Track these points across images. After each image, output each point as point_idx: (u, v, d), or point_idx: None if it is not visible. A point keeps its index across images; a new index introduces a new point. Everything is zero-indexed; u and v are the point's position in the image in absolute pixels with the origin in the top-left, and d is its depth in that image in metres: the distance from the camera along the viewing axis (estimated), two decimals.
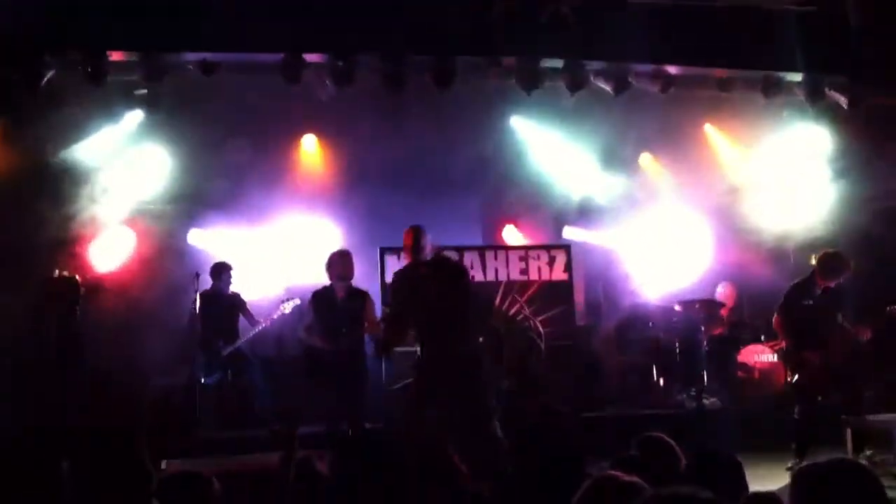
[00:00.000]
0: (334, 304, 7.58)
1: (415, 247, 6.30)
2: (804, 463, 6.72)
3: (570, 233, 10.45)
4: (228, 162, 9.24)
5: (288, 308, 8.40)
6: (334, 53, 8.27)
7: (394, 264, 8.72)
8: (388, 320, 6.86)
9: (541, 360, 9.03)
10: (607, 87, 8.85)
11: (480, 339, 6.47)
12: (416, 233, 6.32)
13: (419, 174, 9.49)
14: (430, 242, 6.35)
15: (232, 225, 9.57)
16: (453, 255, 8.85)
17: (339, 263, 7.62)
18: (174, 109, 8.91)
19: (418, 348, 6.37)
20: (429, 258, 6.34)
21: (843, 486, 2.39)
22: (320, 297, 7.67)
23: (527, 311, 9.17)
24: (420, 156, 9.33)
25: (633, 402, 9.25)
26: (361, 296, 7.69)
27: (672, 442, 3.70)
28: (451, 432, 6.06)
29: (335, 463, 3.52)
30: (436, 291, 6.23)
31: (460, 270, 6.68)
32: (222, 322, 8.53)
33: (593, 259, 10.53)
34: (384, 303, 8.40)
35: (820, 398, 7.47)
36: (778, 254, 10.03)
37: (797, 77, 9.25)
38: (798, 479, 2.46)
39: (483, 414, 6.11)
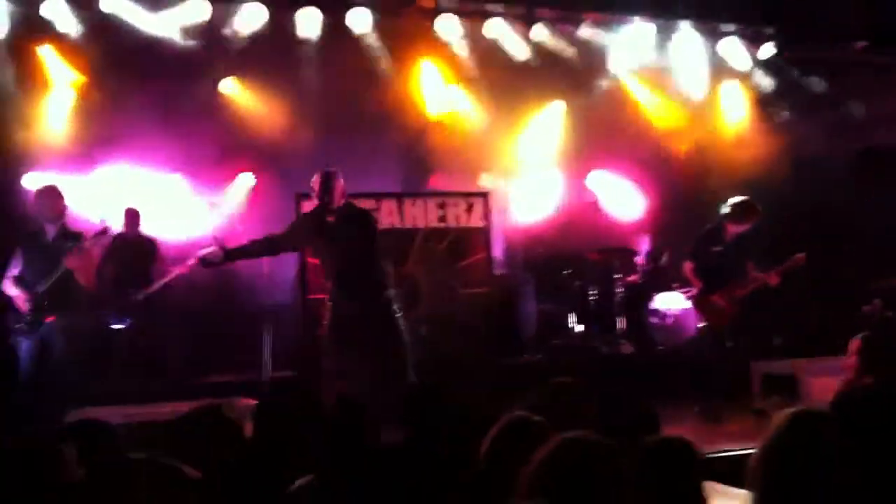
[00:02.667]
0: (44, 247, 6.72)
1: (322, 191, 6.22)
2: (713, 406, 7.01)
3: (487, 180, 10.41)
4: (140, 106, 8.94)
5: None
6: None
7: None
8: (264, 238, 6.64)
9: (458, 307, 9.05)
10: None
11: (390, 287, 6.46)
12: (325, 177, 6.23)
13: (336, 117, 9.32)
14: (340, 188, 6.27)
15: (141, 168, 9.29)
16: (370, 203, 8.79)
17: (39, 200, 6.79)
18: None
19: (328, 297, 6.40)
20: (338, 204, 6.26)
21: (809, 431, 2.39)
22: (28, 240, 6.81)
23: (443, 259, 9.15)
24: (335, 98, 9.16)
25: (549, 348, 9.36)
26: (75, 237, 6.80)
27: (580, 386, 3.72)
28: (365, 382, 6.10)
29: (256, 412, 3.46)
30: (343, 241, 6.20)
31: (367, 219, 6.52)
32: (134, 267, 8.31)
33: (512, 207, 10.55)
34: None
35: (729, 343, 7.65)
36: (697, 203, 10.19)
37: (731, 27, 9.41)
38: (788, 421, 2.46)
39: (398, 363, 6.16)
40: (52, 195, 6.78)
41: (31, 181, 8.88)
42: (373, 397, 5.36)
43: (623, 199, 10.77)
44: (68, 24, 8.34)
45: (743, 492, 2.43)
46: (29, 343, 6.58)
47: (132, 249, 8.36)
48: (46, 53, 8.72)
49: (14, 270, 6.73)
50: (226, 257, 6.37)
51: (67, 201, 6.88)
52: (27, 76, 8.65)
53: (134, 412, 5.71)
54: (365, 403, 3.67)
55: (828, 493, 2.26)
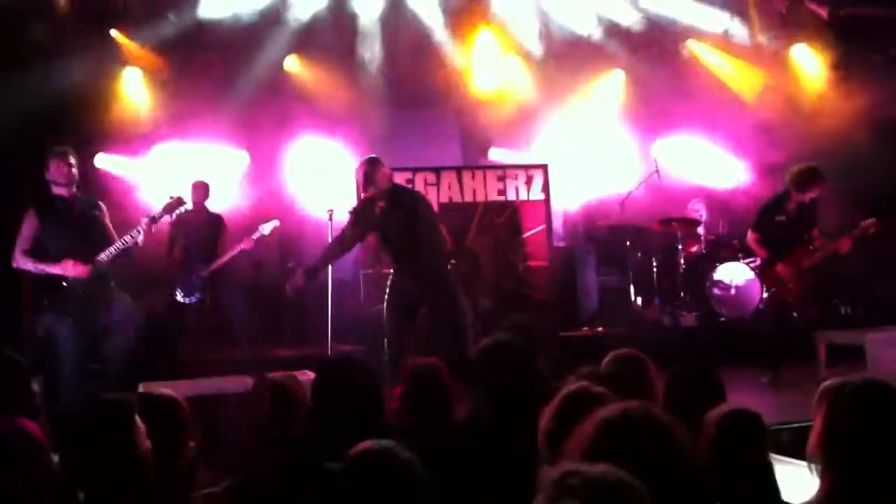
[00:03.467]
0: (68, 214, 6.27)
1: (365, 182, 6.39)
2: (779, 377, 6.92)
3: (547, 152, 10.33)
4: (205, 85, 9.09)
5: (267, 229, 8.33)
6: None
7: None
8: (334, 244, 6.84)
9: (518, 280, 9.06)
10: None
11: (447, 261, 6.63)
12: (367, 166, 6.40)
13: (396, 92, 9.38)
14: (384, 173, 6.42)
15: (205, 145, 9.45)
16: (431, 177, 8.85)
17: (54, 166, 6.22)
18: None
19: (391, 273, 6.68)
20: (383, 188, 6.38)
21: (874, 404, 2.36)
22: (47, 208, 6.26)
23: (503, 232, 9.14)
24: (396, 73, 9.21)
25: (610, 320, 9.32)
26: (91, 204, 6.45)
27: (645, 358, 3.70)
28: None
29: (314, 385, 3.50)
30: (394, 224, 6.41)
31: (414, 199, 6.75)
32: (201, 242, 8.44)
33: (572, 179, 10.48)
34: None
35: (795, 313, 7.54)
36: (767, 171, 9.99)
37: None
38: (828, 394, 2.45)
39: (455, 330, 6.29)
40: (65, 160, 6.23)
41: (102, 162, 9.12)
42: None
43: (687, 169, 10.62)
44: (135, 5, 8.51)
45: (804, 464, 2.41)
46: (74, 322, 6.13)
47: (199, 224, 8.46)
48: (114, 35, 8.89)
49: (26, 244, 6.14)
50: (310, 276, 6.61)
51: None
52: (96, 58, 8.82)
53: (201, 386, 5.83)
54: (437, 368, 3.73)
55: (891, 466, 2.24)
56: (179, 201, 6.69)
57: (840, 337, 7.31)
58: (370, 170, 6.36)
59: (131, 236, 6.26)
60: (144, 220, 6.34)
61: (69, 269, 6.08)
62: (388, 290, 6.65)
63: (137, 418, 2.75)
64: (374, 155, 6.54)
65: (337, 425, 3.13)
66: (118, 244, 6.25)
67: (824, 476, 2.36)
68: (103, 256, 6.21)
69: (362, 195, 6.56)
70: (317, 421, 3.21)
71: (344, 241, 6.73)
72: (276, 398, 3.44)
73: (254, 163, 9.76)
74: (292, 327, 8.99)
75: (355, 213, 6.59)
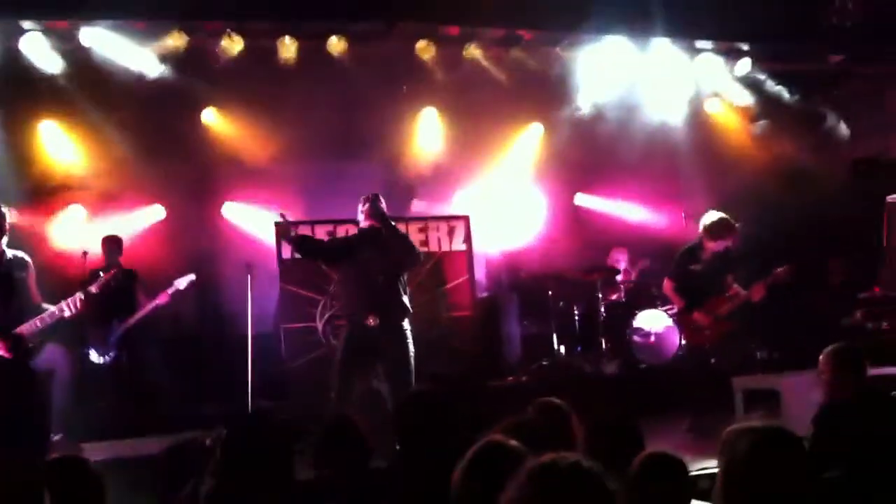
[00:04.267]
0: None
1: (377, 203, 6.63)
2: (698, 422, 7.01)
3: (468, 203, 10.41)
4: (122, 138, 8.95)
5: (183, 284, 8.17)
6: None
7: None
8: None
9: (443, 330, 9.04)
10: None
11: (410, 312, 6.69)
12: (375, 196, 6.69)
13: (317, 145, 9.37)
14: (381, 207, 6.68)
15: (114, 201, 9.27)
16: (353, 229, 8.82)
17: None
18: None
19: (348, 313, 6.64)
20: (379, 221, 6.59)
21: (773, 449, 2.41)
22: None
23: (427, 283, 9.14)
24: (318, 126, 9.20)
25: (533, 369, 9.34)
26: (22, 264, 6.26)
27: (565, 406, 3.72)
28: (367, 402, 6.22)
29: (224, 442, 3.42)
30: (390, 255, 6.51)
31: (413, 244, 6.87)
32: (115, 299, 8.21)
33: (493, 229, 10.57)
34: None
35: (712, 360, 7.66)
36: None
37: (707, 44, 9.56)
38: (727, 441, 2.49)
39: (403, 386, 6.25)
40: None
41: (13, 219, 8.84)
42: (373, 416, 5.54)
43: (605, 219, 10.82)
44: (48, 58, 8.33)
45: None
46: None
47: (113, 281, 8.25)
48: (27, 89, 8.68)
49: None
50: (295, 241, 6.78)
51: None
52: (8, 112, 8.61)
53: (118, 447, 5.66)
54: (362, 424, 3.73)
55: None
56: (116, 276, 6.51)
57: (755, 381, 7.44)
58: (377, 198, 6.63)
59: (61, 309, 6.06)
60: (80, 295, 6.15)
61: None
62: (344, 338, 6.53)
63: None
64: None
65: (246, 481, 3.06)
66: (45, 316, 6.03)
67: None
68: (26, 330, 5.98)
69: (361, 221, 6.70)
70: (226, 477, 3.13)
71: (334, 247, 7.03)
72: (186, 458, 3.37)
73: (170, 216, 9.60)
74: (213, 383, 8.77)
75: (359, 231, 6.74)
